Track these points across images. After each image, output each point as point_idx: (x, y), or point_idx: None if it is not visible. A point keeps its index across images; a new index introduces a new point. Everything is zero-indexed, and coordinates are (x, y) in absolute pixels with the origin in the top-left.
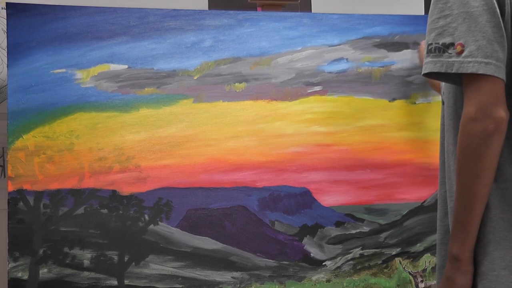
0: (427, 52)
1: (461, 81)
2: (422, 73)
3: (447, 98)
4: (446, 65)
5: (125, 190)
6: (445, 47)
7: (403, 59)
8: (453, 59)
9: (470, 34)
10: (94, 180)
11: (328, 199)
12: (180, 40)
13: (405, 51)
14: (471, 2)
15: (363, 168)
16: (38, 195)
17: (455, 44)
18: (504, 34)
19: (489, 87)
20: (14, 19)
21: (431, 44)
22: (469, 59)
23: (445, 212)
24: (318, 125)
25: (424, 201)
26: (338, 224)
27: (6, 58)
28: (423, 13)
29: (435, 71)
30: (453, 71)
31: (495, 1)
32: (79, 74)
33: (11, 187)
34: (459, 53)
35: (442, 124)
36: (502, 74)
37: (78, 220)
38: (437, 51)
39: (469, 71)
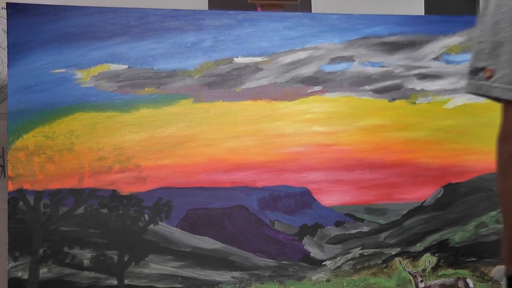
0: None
1: (498, 100)
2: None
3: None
4: (476, 87)
5: (125, 190)
6: (477, 71)
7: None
8: (482, 82)
9: (499, 62)
10: (94, 180)
11: (328, 199)
12: (180, 40)
13: (404, 51)
14: (502, 32)
15: (363, 168)
16: (38, 194)
17: (485, 69)
18: None
19: None
20: (14, 19)
21: (468, 67)
22: (496, 84)
23: None
24: (318, 125)
25: (423, 201)
26: (338, 224)
27: (6, 58)
28: (423, 13)
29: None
30: (481, 93)
31: None
32: (79, 74)
33: (11, 187)
34: (488, 78)
35: None
36: None
37: (78, 219)
38: (471, 73)
39: (494, 95)
